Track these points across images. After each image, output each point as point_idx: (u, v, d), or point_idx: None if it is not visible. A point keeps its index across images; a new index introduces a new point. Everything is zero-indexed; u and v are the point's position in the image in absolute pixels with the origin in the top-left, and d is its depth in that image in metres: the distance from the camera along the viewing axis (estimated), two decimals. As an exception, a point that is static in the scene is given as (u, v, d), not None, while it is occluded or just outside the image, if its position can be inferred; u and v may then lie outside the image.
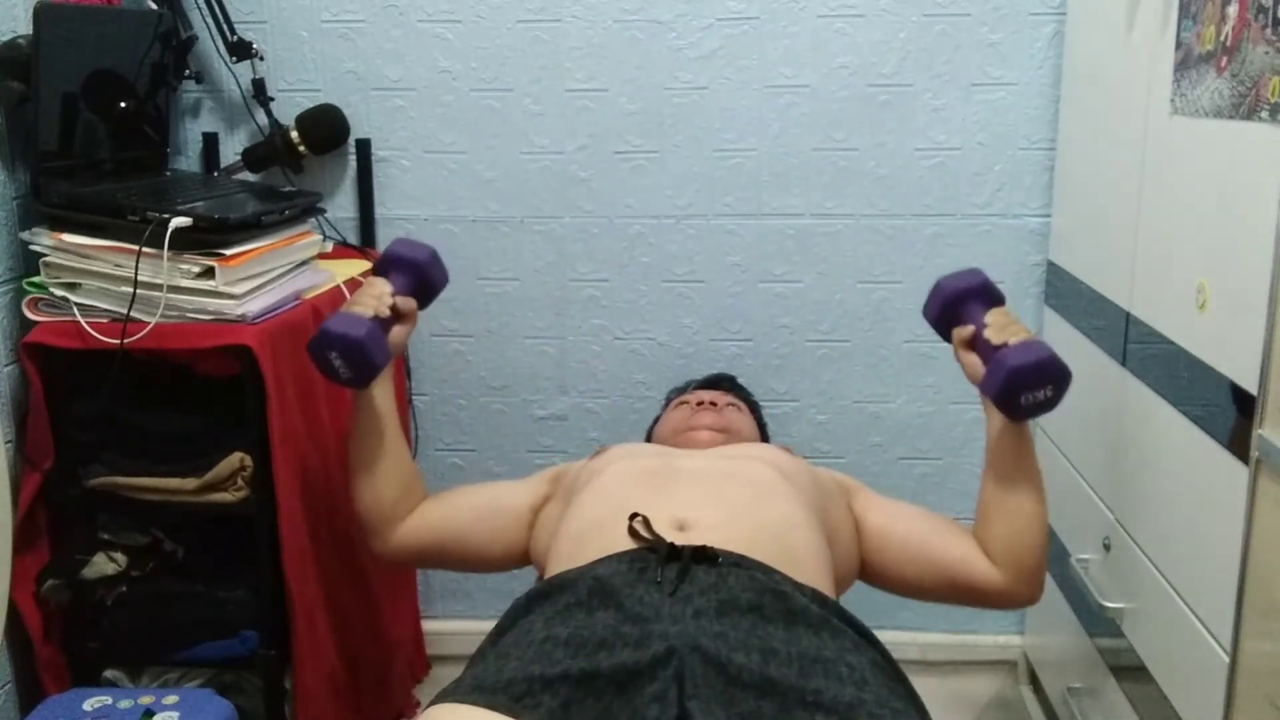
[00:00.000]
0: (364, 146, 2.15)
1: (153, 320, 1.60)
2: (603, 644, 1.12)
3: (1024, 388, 1.46)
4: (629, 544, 1.30)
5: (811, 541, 1.38)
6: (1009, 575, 1.50)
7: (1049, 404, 1.49)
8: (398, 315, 1.61)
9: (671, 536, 1.29)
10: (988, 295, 1.60)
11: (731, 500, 1.39)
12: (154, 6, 1.95)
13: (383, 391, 1.62)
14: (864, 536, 1.56)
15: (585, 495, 1.45)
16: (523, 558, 1.62)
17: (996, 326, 1.52)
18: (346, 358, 1.52)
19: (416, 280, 1.66)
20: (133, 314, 1.60)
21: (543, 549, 1.53)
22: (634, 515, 1.32)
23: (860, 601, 2.22)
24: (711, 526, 1.31)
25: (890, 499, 1.63)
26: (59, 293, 1.64)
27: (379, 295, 1.59)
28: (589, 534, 1.35)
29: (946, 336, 1.62)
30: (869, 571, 1.57)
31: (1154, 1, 1.52)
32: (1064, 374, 1.47)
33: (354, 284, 1.96)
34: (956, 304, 1.60)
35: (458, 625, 2.32)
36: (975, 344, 1.55)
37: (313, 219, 1.95)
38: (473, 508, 1.64)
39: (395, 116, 2.15)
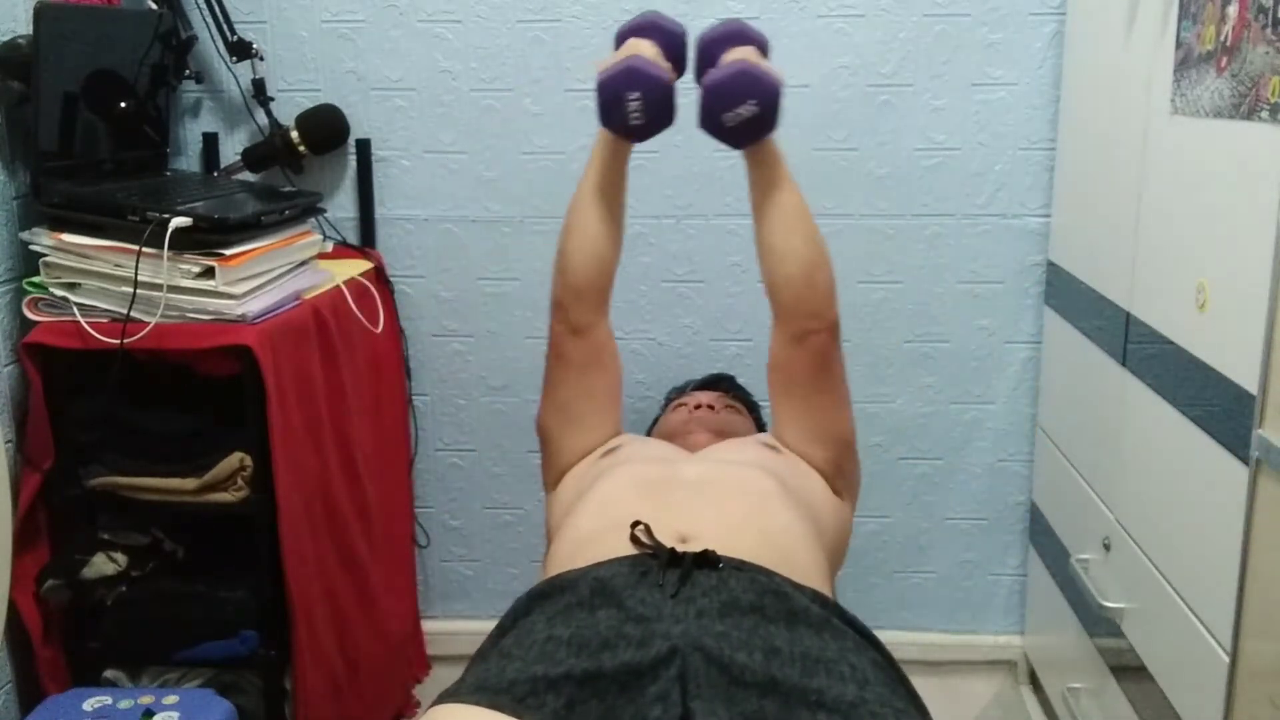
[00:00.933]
0: (364, 146, 2.15)
1: (153, 320, 1.60)
2: (605, 644, 1.12)
3: (721, 106, 1.40)
4: (630, 550, 1.30)
5: (811, 549, 1.38)
6: (789, 296, 1.49)
7: (760, 122, 1.41)
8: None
9: (673, 545, 1.29)
10: (737, 37, 1.52)
11: (732, 510, 1.38)
12: (154, 6, 1.95)
13: (627, 158, 1.57)
14: (791, 439, 1.57)
15: (586, 504, 1.44)
16: (584, 449, 1.59)
17: (727, 60, 1.47)
18: (649, 101, 1.42)
19: (671, 53, 1.56)
20: (133, 314, 1.60)
21: (557, 516, 1.52)
22: (636, 523, 1.32)
23: (860, 601, 2.23)
24: (713, 536, 1.31)
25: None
26: (59, 293, 1.64)
27: (656, 54, 1.50)
28: (590, 541, 1.35)
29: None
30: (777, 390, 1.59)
31: (1154, 1, 1.52)
32: (762, 83, 1.39)
33: (354, 284, 1.97)
34: (709, 53, 1.53)
35: (458, 625, 2.32)
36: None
37: (313, 219, 1.95)
38: (612, 380, 1.62)
39: (395, 116, 2.15)
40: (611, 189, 1.56)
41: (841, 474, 1.57)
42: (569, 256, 1.56)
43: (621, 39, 1.58)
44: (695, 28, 2.05)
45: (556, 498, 1.58)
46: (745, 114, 1.41)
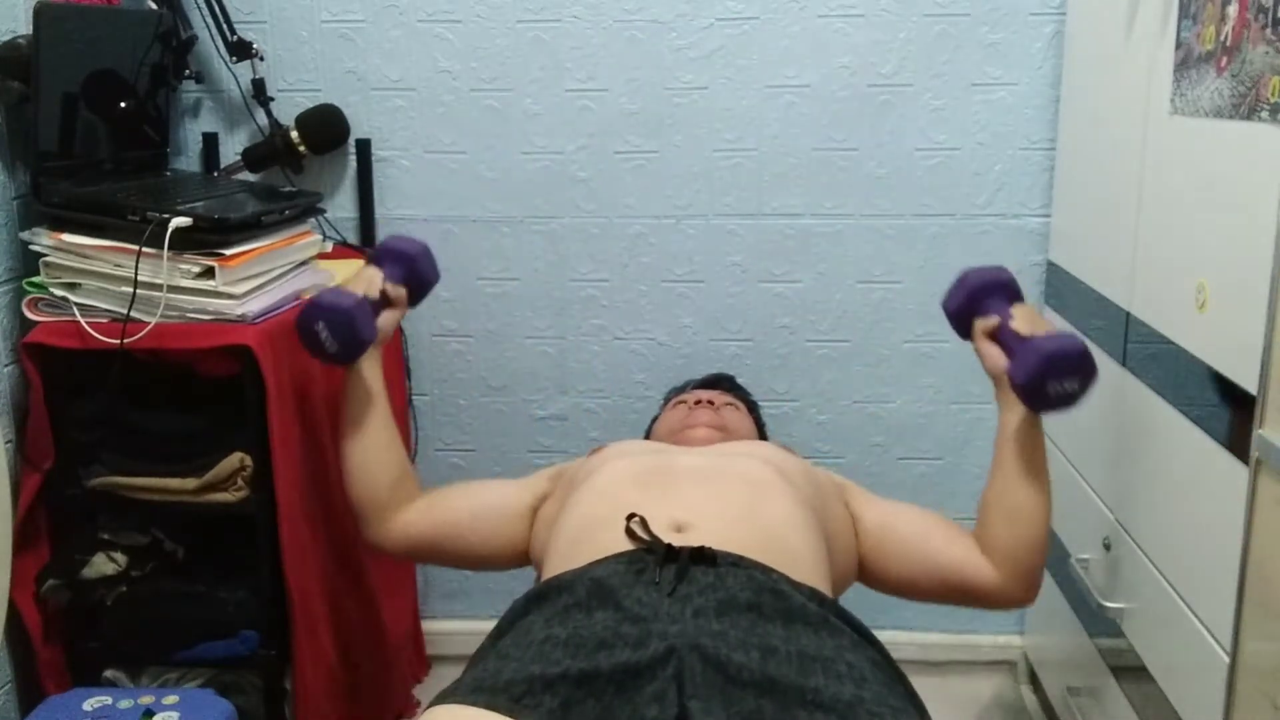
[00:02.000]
0: (364, 146, 2.15)
1: (153, 320, 1.60)
2: (602, 644, 1.12)
3: (1056, 375, 1.44)
4: (626, 545, 1.30)
5: (809, 541, 1.38)
6: (1006, 575, 1.49)
7: (1073, 398, 1.46)
8: (387, 301, 1.63)
9: (669, 538, 1.29)
10: (1014, 291, 1.60)
11: (729, 500, 1.38)
12: (154, 6, 1.95)
13: (372, 373, 1.63)
14: (862, 535, 1.56)
15: (581, 494, 1.44)
16: (522, 556, 1.61)
17: (1024, 318, 1.52)
18: (333, 328, 1.54)
19: (407, 271, 1.68)
20: (133, 314, 1.60)
21: (541, 548, 1.52)
22: (631, 516, 1.32)
23: (859, 601, 2.22)
24: (709, 528, 1.31)
25: (886, 499, 1.63)
26: (59, 293, 1.64)
27: (369, 279, 1.62)
28: (586, 535, 1.35)
29: (961, 329, 1.62)
30: (867, 571, 1.57)
31: (1154, 1, 1.52)
32: (1094, 368, 1.46)
33: (354, 284, 1.97)
34: (982, 295, 1.59)
35: (458, 625, 2.32)
36: (998, 335, 1.54)
37: (313, 219, 1.95)
38: (471, 504, 1.64)
39: (395, 116, 2.15)
40: (364, 410, 1.62)
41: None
42: (359, 501, 1.62)
43: (368, 263, 1.70)
44: (695, 28, 2.07)
45: (537, 529, 1.60)
46: (1068, 389, 1.45)
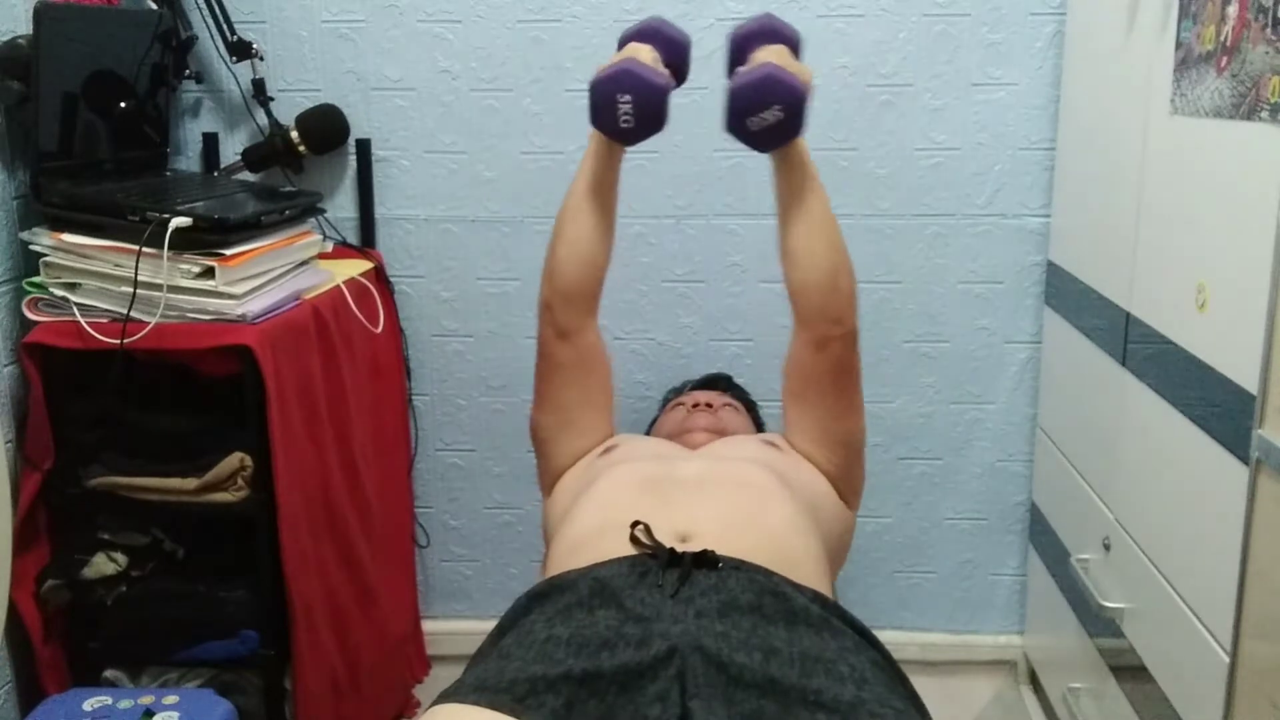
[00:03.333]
0: (364, 146, 2.15)
1: (153, 320, 1.60)
2: (605, 644, 1.12)
3: (746, 112, 1.40)
4: (630, 550, 1.30)
5: (809, 544, 1.38)
6: (812, 299, 1.49)
7: (784, 127, 1.41)
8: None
9: (673, 545, 1.29)
10: (768, 34, 1.53)
11: (731, 507, 1.38)
12: (154, 6, 1.95)
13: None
14: (800, 442, 1.57)
15: (583, 503, 1.44)
16: (573, 455, 1.59)
17: (757, 60, 1.47)
18: (640, 104, 1.42)
19: (673, 58, 1.57)
20: (133, 314, 1.60)
21: (553, 521, 1.52)
22: (636, 523, 1.32)
23: (860, 601, 2.23)
24: (712, 535, 1.31)
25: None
26: (59, 293, 1.64)
27: (654, 59, 1.51)
28: (589, 541, 1.35)
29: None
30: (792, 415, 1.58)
31: (1154, 1, 1.52)
32: (787, 89, 1.39)
33: (354, 284, 1.97)
34: (742, 49, 1.53)
35: (458, 625, 2.32)
36: None
37: (313, 219, 1.95)
38: (606, 380, 1.62)
39: (395, 116, 2.15)
40: (603, 192, 1.56)
41: (847, 478, 1.57)
42: (558, 259, 1.56)
43: (624, 43, 1.58)
44: (695, 28, 2.06)
45: (553, 501, 1.58)
46: (770, 119, 1.40)
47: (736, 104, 1.41)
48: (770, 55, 1.47)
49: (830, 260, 1.49)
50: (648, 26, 1.58)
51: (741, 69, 1.47)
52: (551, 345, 1.57)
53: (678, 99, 2.09)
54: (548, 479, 1.62)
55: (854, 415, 1.57)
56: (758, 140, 1.44)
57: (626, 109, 1.43)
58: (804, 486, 1.50)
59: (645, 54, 1.51)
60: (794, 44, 1.54)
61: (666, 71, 1.50)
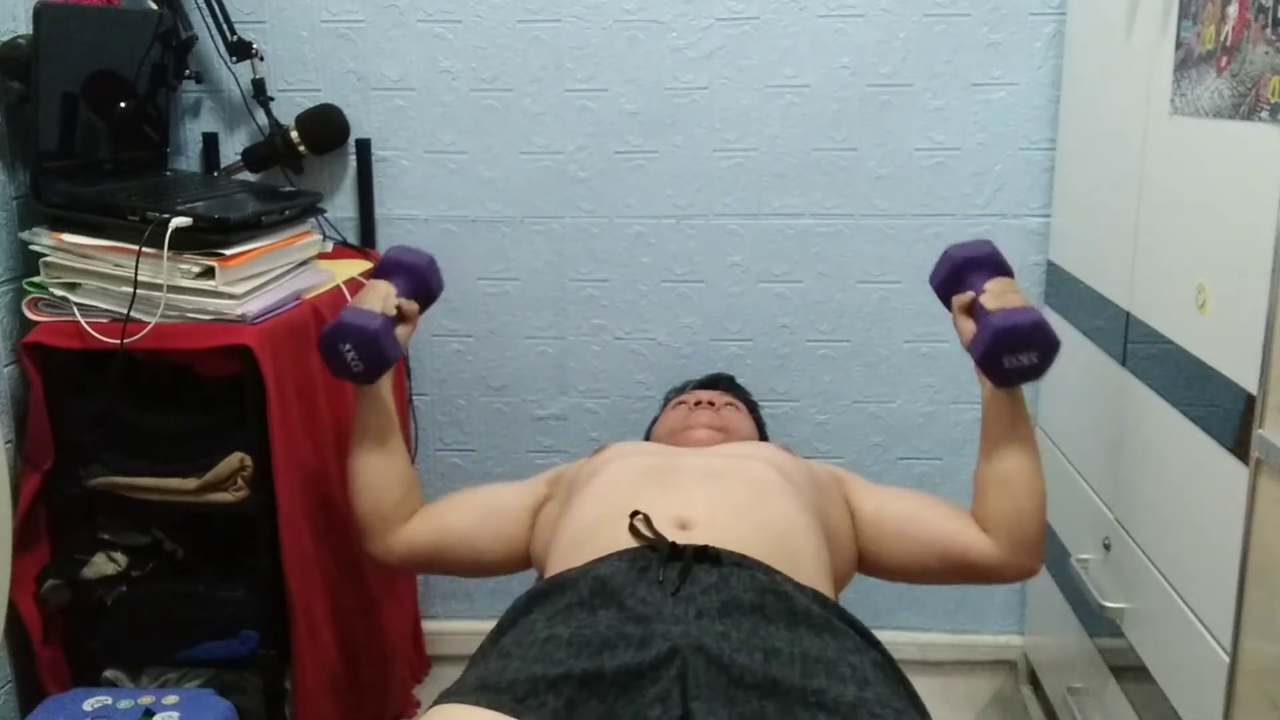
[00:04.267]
0: (364, 146, 2.15)
1: (153, 320, 1.60)
2: (605, 644, 1.12)
3: (1007, 350, 1.46)
4: (630, 542, 1.30)
5: (811, 542, 1.38)
6: (1005, 545, 1.50)
7: (1034, 371, 1.48)
8: (401, 316, 1.63)
9: (673, 535, 1.29)
10: (994, 265, 1.60)
11: (733, 499, 1.39)
12: (154, 6, 1.95)
13: (386, 391, 1.64)
14: (860, 525, 1.56)
15: (585, 494, 1.44)
16: (523, 560, 1.61)
17: (994, 293, 1.52)
18: (360, 350, 1.54)
19: (416, 285, 1.68)
20: (133, 314, 1.60)
21: (542, 550, 1.52)
22: (635, 513, 1.32)
23: (860, 601, 2.23)
24: (713, 525, 1.31)
25: (881, 485, 1.63)
26: (59, 293, 1.64)
27: (385, 295, 1.61)
28: (588, 533, 1.35)
29: (947, 305, 1.63)
30: (868, 560, 1.57)
31: (1154, 1, 1.52)
32: (1050, 340, 1.47)
33: (354, 284, 1.97)
34: (962, 271, 1.60)
35: (458, 625, 2.32)
36: (973, 311, 1.55)
37: (313, 219, 1.95)
38: (472, 510, 1.64)
39: (395, 116, 2.15)
40: (381, 429, 1.62)
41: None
42: (362, 515, 1.62)
43: (374, 276, 1.69)
44: (695, 28, 2.07)
45: (538, 530, 1.59)
46: (1025, 362, 1.47)
47: (1003, 342, 1.46)
48: (1010, 292, 1.52)
49: (1030, 531, 1.51)
50: (388, 260, 1.69)
51: (1000, 309, 1.49)
52: (410, 568, 1.66)
53: (678, 99, 2.10)
54: (538, 545, 1.60)
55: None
56: (1005, 378, 1.50)
57: (352, 355, 1.55)
58: (812, 487, 1.50)
59: (381, 291, 1.61)
60: (1013, 276, 1.60)
61: (387, 309, 1.58)
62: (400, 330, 1.63)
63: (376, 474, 1.61)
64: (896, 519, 1.55)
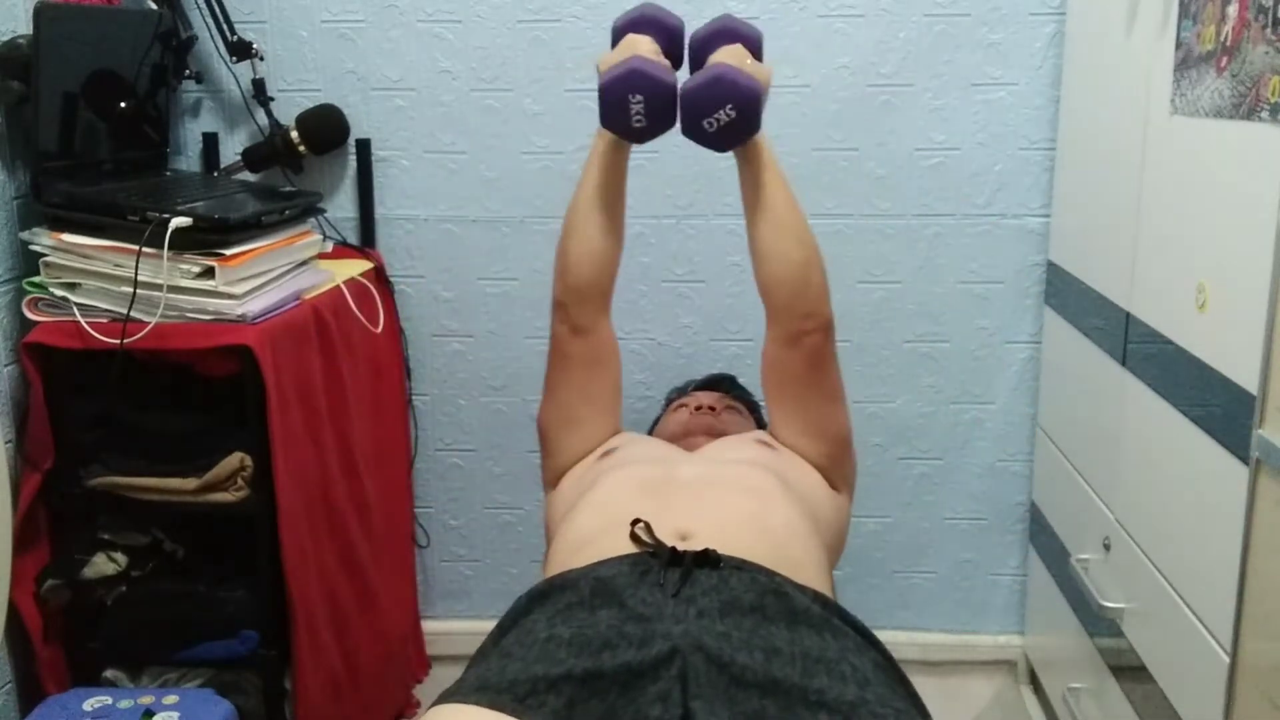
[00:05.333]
0: (364, 146, 2.15)
1: (153, 320, 1.60)
2: (606, 643, 1.12)
3: (700, 112, 1.41)
4: (630, 549, 1.30)
5: (809, 546, 1.38)
6: (788, 289, 1.50)
7: (741, 125, 1.42)
8: None
9: (673, 544, 1.29)
10: (729, 35, 1.52)
11: (732, 509, 1.38)
12: (154, 6, 1.95)
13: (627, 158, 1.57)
14: (787, 436, 1.57)
15: (582, 506, 1.44)
16: (579, 452, 1.59)
17: (712, 62, 1.47)
18: (651, 104, 1.42)
19: (670, 45, 1.56)
20: (133, 314, 1.60)
21: (555, 519, 1.52)
22: (636, 521, 1.32)
23: (860, 601, 2.23)
24: (713, 535, 1.31)
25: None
26: (59, 293, 1.64)
27: (655, 52, 1.51)
28: (589, 542, 1.35)
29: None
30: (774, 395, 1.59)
31: (1154, 1, 1.52)
32: (738, 87, 1.39)
33: (354, 284, 1.97)
34: (698, 53, 1.53)
35: (458, 625, 2.32)
36: None
37: (313, 219, 1.95)
38: (616, 381, 1.62)
39: (395, 116, 2.15)
40: (612, 189, 1.56)
41: (838, 468, 1.58)
42: (570, 257, 1.56)
43: (619, 34, 1.58)
44: (695, 27, 2.06)
45: (556, 497, 1.58)
46: (724, 119, 1.41)
47: (689, 107, 1.42)
48: (726, 56, 1.47)
49: (799, 255, 1.50)
50: (642, 15, 1.58)
51: (693, 75, 1.46)
52: (565, 341, 1.58)
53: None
54: (551, 474, 1.62)
55: (835, 405, 1.58)
56: (715, 141, 1.45)
57: (639, 109, 1.43)
58: (802, 486, 1.50)
59: (645, 46, 1.51)
60: (753, 43, 1.54)
61: (667, 63, 1.50)
62: None
63: (606, 239, 1.54)
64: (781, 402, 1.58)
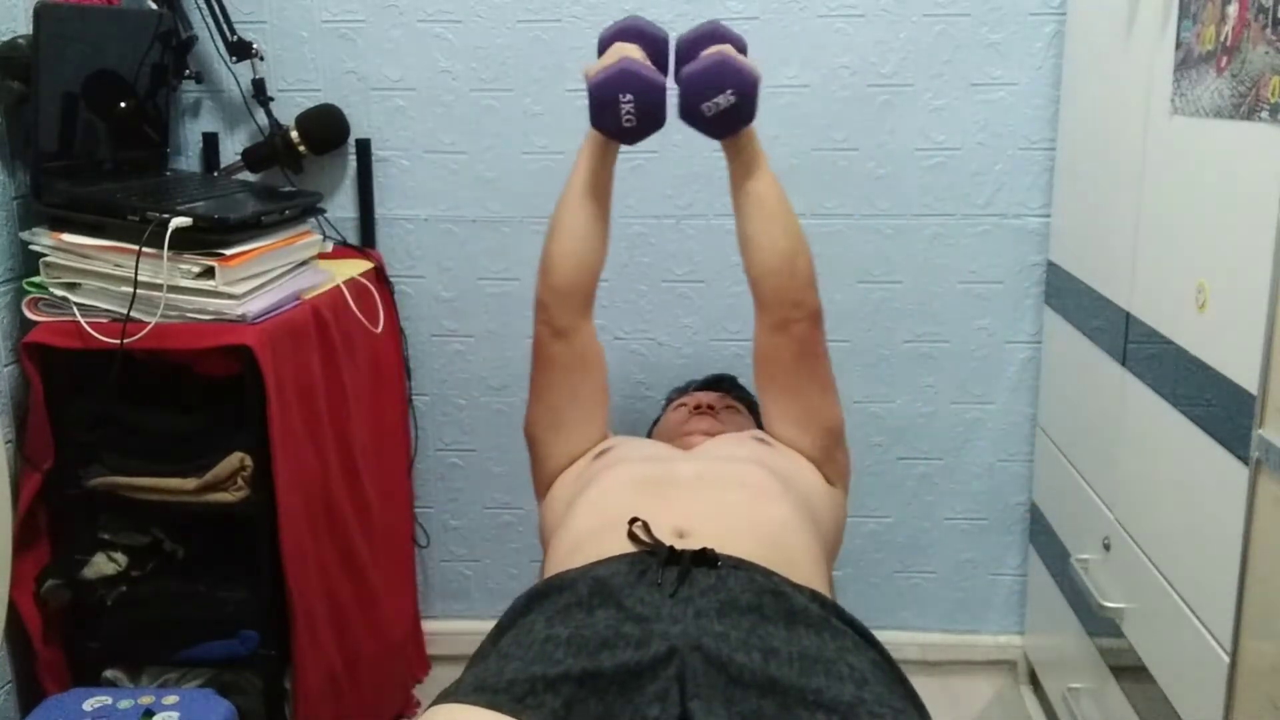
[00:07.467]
0: (364, 146, 2.15)
1: (153, 320, 1.60)
2: (604, 643, 1.12)
3: (700, 98, 1.44)
4: (628, 548, 1.30)
5: (807, 544, 1.38)
6: (776, 278, 1.52)
7: (740, 110, 1.45)
8: None
9: (671, 542, 1.29)
10: (717, 38, 1.55)
11: (730, 507, 1.39)
12: (154, 6, 1.95)
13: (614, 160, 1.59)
14: (780, 430, 1.59)
15: (580, 505, 1.44)
16: (568, 458, 1.60)
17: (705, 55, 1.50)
18: (641, 103, 1.45)
19: (655, 54, 1.59)
20: (133, 314, 1.60)
21: (549, 526, 1.52)
22: (634, 520, 1.32)
23: (860, 602, 2.23)
24: (711, 533, 1.31)
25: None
26: (59, 293, 1.64)
27: (644, 58, 1.54)
28: (587, 541, 1.35)
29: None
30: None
31: (1154, 1, 1.52)
32: (738, 74, 1.43)
33: (354, 284, 1.97)
34: (686, 54, 1.56)
35: (458, 625, 2.32)
36: None
37: (313, 219, 1.95)
38: (602, 383, 1.63)
39: (395, 116, 2.15)
40: (599, 191, 1.57)
41: (831, 461, 1.58)
42: (554, 257, 1.57)
43: (605, 44, 1.60)
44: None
45: (550, 504, 1.58)
46: (723, 104, 1.44)
47: (691, 89, 1.44)
48: (718, 49, 1.50)
49: (786, 245, 1.53)
50: (629, 26, 1.61)
51: (692, 61, 1.49)
52: (546, 344, 1.58)
53: (678, 99, 2.09)
54: (542, 481, 1.62)
55: (826, 396, 1.59)
56: (712, 126, 1.47)
57: (629, 109, 1.45)
58: (799, 482, 1.50)
59: (634, 53, 1.53)
60: (740, 47, 1.57)
61: (655, 69, 1.53)
62: None
63: (592, 240, 1.56)
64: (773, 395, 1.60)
